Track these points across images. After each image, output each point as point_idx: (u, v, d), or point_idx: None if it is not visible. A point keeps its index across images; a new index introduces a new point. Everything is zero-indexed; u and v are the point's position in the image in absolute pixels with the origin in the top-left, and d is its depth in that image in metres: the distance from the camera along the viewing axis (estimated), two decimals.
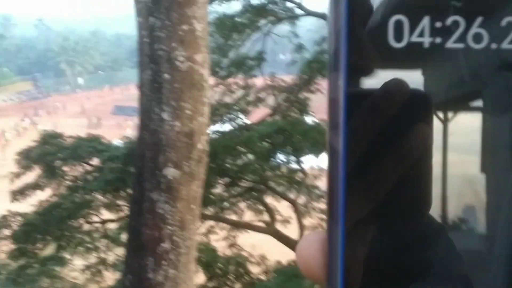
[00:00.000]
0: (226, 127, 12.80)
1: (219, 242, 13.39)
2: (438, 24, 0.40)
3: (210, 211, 12.65)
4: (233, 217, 13.27)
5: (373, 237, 0.42)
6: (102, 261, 12.73)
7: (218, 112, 12.47)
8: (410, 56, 0.41)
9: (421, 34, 0.40)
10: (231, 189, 12.62)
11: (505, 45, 0.40)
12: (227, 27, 12.25)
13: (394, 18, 0.40)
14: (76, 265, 13.14)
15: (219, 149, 10.64)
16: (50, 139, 12.91)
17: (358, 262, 0.42)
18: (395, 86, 0.41)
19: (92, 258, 12.88)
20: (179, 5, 3.84)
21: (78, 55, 77.81)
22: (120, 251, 11.89)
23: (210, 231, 13.41)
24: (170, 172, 4.09)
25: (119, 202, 12.17)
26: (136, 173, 4.45)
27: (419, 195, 0.42)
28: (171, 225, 4.19)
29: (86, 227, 12.62)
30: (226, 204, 13.00)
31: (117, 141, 14.78)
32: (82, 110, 58.86)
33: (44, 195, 12.70)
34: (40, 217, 11.88)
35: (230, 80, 12.88)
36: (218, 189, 12.38)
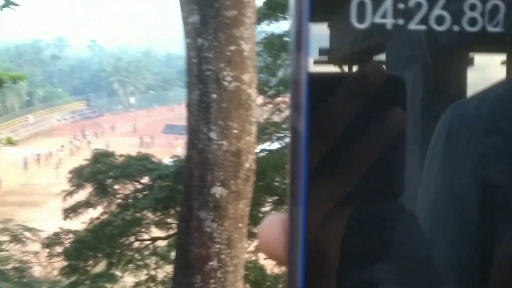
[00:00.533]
0: (275, 145, 12.80)
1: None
2: (400, 6, 0.40)
3: (258, 229, 12.62)
4: None
5: (336, 220, 0.41)
6: (152, 278, 12.81)
7: (267, 131, 12.50)
8: (373, 37, 0.41)
9: (383, 16, 0.40)
10: (280, 208, 12.60)
11: (466, 27, 0.41)
12: (276, 46, 12.28)
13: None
14: (127, 282, 13.25)
15: (267, 167, 10.64)
16: (101, 158, 13.11)
17: (319, 244, 0.41)
18: (373, 69, 0.41)
19: (142, 275, 12.98)
20: (226, 26, 3.88)
21: (130, 75, 79.03)
22: (170, 269, 11.97)
23: (259, 249, 13.39)
24: (218, 191, 4.12)
25: (169, 220, 12.25)
26: (185, 191, 4.49)
27: (391, 180, 0.41)
28: (218, 243, 4.21)
29: (136, 244, 12.73)
30: None
31: (167, 160, 14.90)
32: (134, 129, 59.66)
33: (95, 213, 12.88)
34: (91, 234, 12.03)
35: (279, 99, 12.90)
36: (267, 208, 12.38)
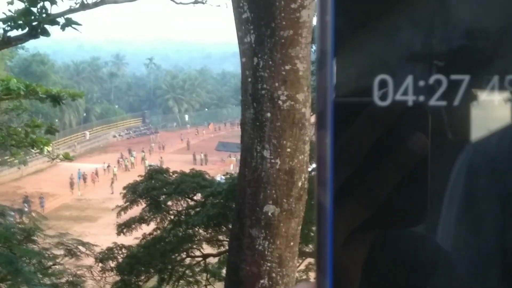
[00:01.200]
0: None
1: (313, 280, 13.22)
2: (421, 83, 0.41)
3: (309, 248, 12.57)
4: None
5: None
6: None
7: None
8: (395, 114, 0.41)
9: (405, 93, 0.41)
10: None
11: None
12: None
13: (379, 77, 0.41)
14: None
15: (314, 180, 10.58)
16: (156, 174, 13.26)
17: None
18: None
19: None
20: (282, 46, 3.90)
21: (185, 92, 79.87)
22: (220, 286, 11.99)
23: (309, 268, 13.32)
24: (270, 209, 4.13)
25: (220, 237, 12.30)
26: (237, 209, 4.51)
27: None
28: (270, 261, 4.21)
29: (188, 261, 12.80)
30: None
31: (219, 177, 14.99)
32: (187, 146, 60.16)
33: (148, 228, 13.00)
34: (144, 250, 12.15)
35: None
36: None
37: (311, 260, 13.17)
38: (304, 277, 12.87)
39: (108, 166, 46.56)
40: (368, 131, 0.41)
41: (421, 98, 0.41)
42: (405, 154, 0.41)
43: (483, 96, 0.41)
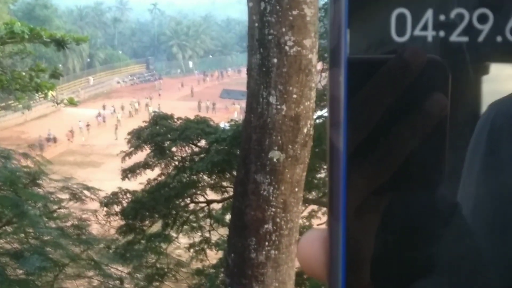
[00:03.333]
0: None
1: (321, 226, 13.37)
2: (441, 18, 0.39)
3: (313, 195, 12.66)
4: None
5: (376, 235, 0.41)
6: (206, 240, 13.00)
7: (325, 97, 12.41)
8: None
9: (424, 28, 0.39)
10: None
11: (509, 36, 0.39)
12: None
13: (397, 11, 0.39)
14: (181, 243, 13.48)
15: (324, 134, 10.58)
16: (160, 121, 13.27)
17: (359, 260, 0.41)
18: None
19: (196, 237, 13.18)
20: None
21: (189, 39, 79.35)
22: (224, 231, 12.13)
23: (312, 215, 13.44)
24: (275, 155, 4.14)
25: (224, 184, 12.38)
26: (242, 155, 4.52)
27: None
28: (274, 207, 4.25)
29: (192, 206, 12.92)
30: None
31: (224, 124, 14.99)
32: (192, 93, 60.08)
33: (153, 174, 13.08)
34: (149, 195, 12.25)
35: None
36: (322, 174, 12.37)
37: (315, 207, 13.29)
38: (307, 223, 12.99)
39: (112, 112, 46.56)
40: (385, 73, 0.40)
41: (441, 33, 0.39)
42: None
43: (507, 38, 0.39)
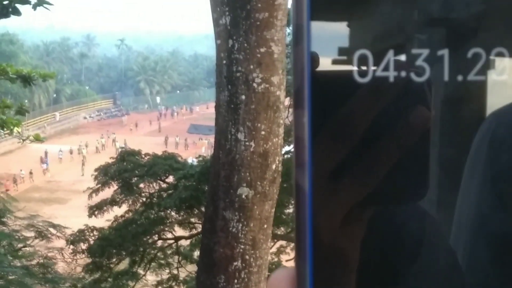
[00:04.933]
0: None
1: (290, 262, 13.36)
2: (402, 57, 0.39)
3: (281, 231, 12.64)
4: None
5: (344, 274, 0.41)
6: (174, 278, 12.88)
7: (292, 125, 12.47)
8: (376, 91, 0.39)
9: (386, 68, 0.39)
10: None
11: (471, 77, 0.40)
12: None
13: (359, 52, 0.39)
14: (149, 280, 13.32)
15: (293, 169, 10.64)
16: (127, 157, 13.20)
17: None
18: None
19: (164, 274, 13.05)
20: (257, 28, 3.90)
21: (157, 74, 79.40)
22: (192, 268, 12.03)
23: (281, 251, 13.41)
24: (244, 191, 4.14)
25: (192, 220, 12.31)
26: (210, 191, 4.51)
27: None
28: (243, 244, 4.23)
29: (160, 243, 12.81)
30: None
31: (192, 160, 14.95)
32: (159, 128, 59.97)
33: (120, 211, 12.97)
34: (116, 232, 12.12)
35: None
36: (290, 209, 12.37)
37: (283, 242, 13.26)
38: (276, 259, 12.96)
39: (79, 148, 46.23)
40: (347, 108, 0.39)
41: (403, 73, 0.39)
42: (405, 128, 0.40)
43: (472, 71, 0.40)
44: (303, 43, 0.39)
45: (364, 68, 0.39)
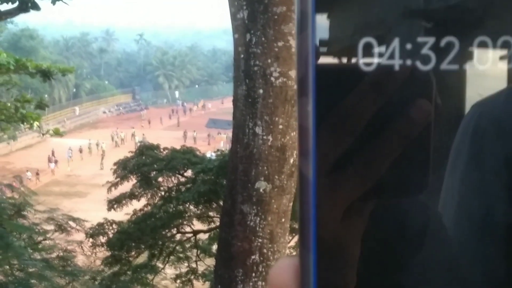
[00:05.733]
0: None
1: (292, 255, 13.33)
2: (408, 46, 0.39)
3: None
4: None
5: (348, 264, 0.41)
6: (193, 271, 12.90)
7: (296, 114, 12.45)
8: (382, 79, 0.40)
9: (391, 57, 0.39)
10: None
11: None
12: None
13: (364, 40, 0.39)
14: (168, 273, 13.37)
15: (296, 151, 10.60)
16: (146, 151, 13.24)
17: None
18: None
19: (183, 268, 13.08)
20: (275, 22, 3.89)
21: (175, 69, 79.51)
22: (210, 262, 12.05)
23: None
24: (262, 185, 4.14)
25: (211, 214, 12.33)
26: (228, 185, 4.52)
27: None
28: (261, 237, 4.23)
29: (178, 237, 12.84)
30: None
31: (210, 154, 14.97)
32: (178, 123, 60.11)
33: (139, 204, 13.02)
34: (135, 226, 12.17)
35: None
36: None
37: None
38: (294, 253, 12.95)
39: (98, 142, 46.40)
40: (352, 96, 0.39)
41: (408, 62, 0.39)
42: (407, 121, 0.40)
43: (475, 59, 0.39)
44: (308, 30, 0.39)
45: (369, 56, 0.39)
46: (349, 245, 0.41)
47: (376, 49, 0.39)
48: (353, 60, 0.39)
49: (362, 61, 0.39)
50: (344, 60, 0.40)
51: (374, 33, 0.39)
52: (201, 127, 55.14)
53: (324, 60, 0.39)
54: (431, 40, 0.39)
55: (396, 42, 0.39)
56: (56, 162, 41.34)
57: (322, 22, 0.39)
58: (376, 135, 0.40)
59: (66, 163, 42.32)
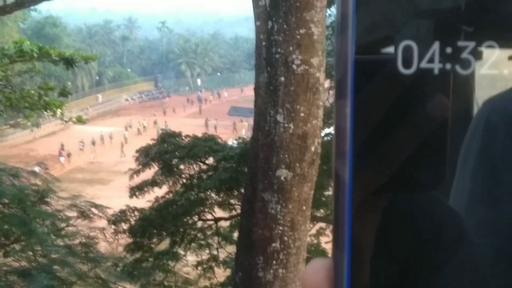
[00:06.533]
0: None
1: (329, 244, 13.35)
2: (448, 50, 0.39)
3: (321, 213, 12.62)
4: None
5: (382, 266, 0.41)
6: (214, 258, 12.95)
7: (333, 114, 12.43)
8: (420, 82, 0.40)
9: (431, 60, 0.39)
10: None
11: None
12: None
13: (404, 43, 0.39)
14: (189, 260, 13.43)
15: (332, 151, 10.60)
16: (168, 138, 13.28)
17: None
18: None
19: (204, 255, 13.14)
20: (297, 10, 3.88)
21: (198, 57, 79.61)
22: (231, 249, 12.09)
23: (320, 233, 13.41)
24: (283, 173, 4.14)
25: (232, 201, 12.36)
26: (249, 173, 4.52)
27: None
28: (282, 225, 4.24)
29: (199, 224, 12.89)
30: None
31: (231, 141, 14.99)
32: (200, 110, 60.23)
33: (160, 192, 13.07)
34: (156, 213, 12.23)
35: None
36: (330, 191, 12.33)
37: (323, 224, 13.24)
38: (315, 241, 12.95)
39: (121, 129, 46.61)
40: (391, 99, 0.40)
41: (448, 66, 0.39)
42: (425, 117, 0.40)
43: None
44: (348, 32, 0.40)
45: (408, 59, 0.39)
46: (383, 247, 0.41)
47: (416, 52, 0.39)
48: (393, 63, 0.39)
49: (401, 64, 0.39)
50: (384, 62, 0.40)
51: (414, 36, 0.40)
52: (223, 115, 55.20)
53: (363, 62, 0.40)
54: (471, 44, 0.39)
55: (436, 46, 0.39)
56: (69, 155, 41.52)
57: (362, 24, 0.40)
58: (413, 138, 0.40)
59: (89, 150, 42.63)
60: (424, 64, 0.39)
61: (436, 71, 0.39)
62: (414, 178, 0.40)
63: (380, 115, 0.40)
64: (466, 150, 0.41)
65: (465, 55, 0.39)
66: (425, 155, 0.40)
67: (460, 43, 0.39)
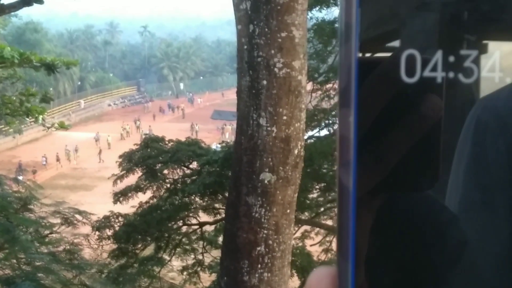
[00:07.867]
0: (323, 132, 12.78)
1: (314, 246, 13.38)
2: (451, 58, 0.40)
3: (305, 215, 12.64)
4: (329, 222, 13.24)
5: (386, 274, 0.41)
6: (199, 263, 12.94)
7: (316, 117, 12.48)
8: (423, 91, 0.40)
9: (434, 69, 0.40)
10: (327, 194, 12.58)
11: None
12: (326, 33, 12.21)
13: (406, 52, 0.40)
14: (174, 266, 13.41)
15: (315, 154, 10.63)
16: (152, 143, 13.26)
17: None
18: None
19: (189, 260, 13.12)
20: (278, 13, 3.88)
21: (180, 61, 79.46)
22: (217, 253, 12.08)
23: (305, 235, 13.43)
24: (267, 176, 4.14)
25: (216, 205, 12.35)
26: (233, 177, 4.52)
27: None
28: (266, 229, 4.24)
29: (184, 229, 12.87)
30: (321, 209, 13.00)
31: (215, 145, 14.97)
32: (183, 115, 60.13)
33: (144, 197, 13.04)
34: (141, 218, 12.20)
35: (328, 85, 12.86)
36: (314, 194, 12.36)
37: (307, 227, 13.26)
38: (300, 244, 12.96)
39: (103, 135, 46.41)
40: (394, 107, 0.40)
41: (451, 74, 0.40)
42: (419, 118, 0.40)
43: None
44: (351, 42, 0.40)
45: (412, 68, 0.40)
46: (387, 256, 0.41)
47: (419, 62, 0.40)
48: (396, 72, 0.40)
49: (405, 73, 0.40)
50: (387, 71, 0.40)
51: (417, 46, 0.40)
52: (206, 119, 55.15)
53: (366, 72, 0.40)
54: (474, 53, 0.40)
55: (439, 55, 0.40)
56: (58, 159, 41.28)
57: (365, 34, 0.40)
58: (417, 147, 0.40)
59: (72, 157, 42.43)
60: (427, 73, 0.40)
61: (439, 80, 0.40)
62: (419, 188, 0.41)
63: (384, 124, 0.40)
64: (460, 147, 0.42)
65: (467, 63, 0.40)
66: (431, 165, 0.41)
67: (463, 52, 0.40)
